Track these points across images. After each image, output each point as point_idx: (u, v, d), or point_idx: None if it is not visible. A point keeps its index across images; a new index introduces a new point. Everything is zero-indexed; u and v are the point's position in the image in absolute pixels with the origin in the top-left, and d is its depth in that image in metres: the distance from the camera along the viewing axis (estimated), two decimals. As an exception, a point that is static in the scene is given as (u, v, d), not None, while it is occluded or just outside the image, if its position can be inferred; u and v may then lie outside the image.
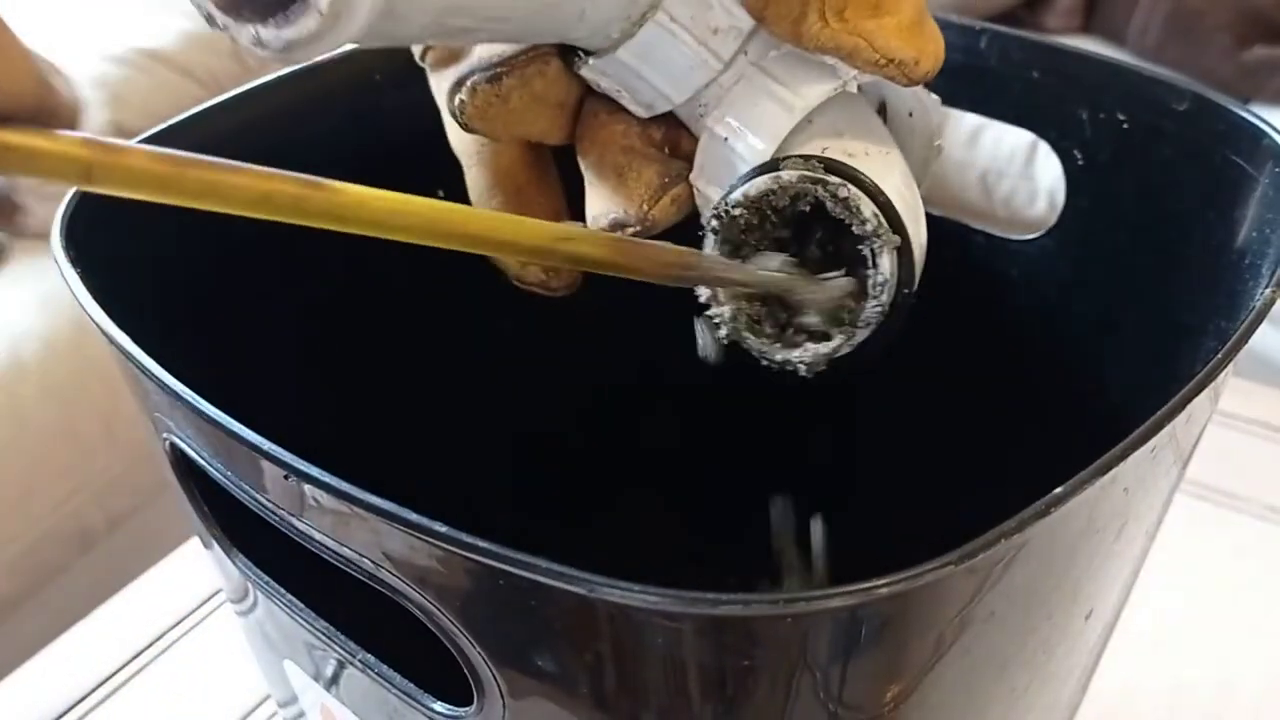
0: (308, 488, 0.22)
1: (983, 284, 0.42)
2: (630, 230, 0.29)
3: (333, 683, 0.29)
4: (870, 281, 0.28)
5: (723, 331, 0.29)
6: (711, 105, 0.29)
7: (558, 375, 0.47)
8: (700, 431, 0.51)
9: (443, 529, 0.20)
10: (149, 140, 0.35)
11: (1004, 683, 0.26)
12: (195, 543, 0.64)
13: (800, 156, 0.28)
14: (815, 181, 0.27)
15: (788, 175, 0.27)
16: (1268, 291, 0.28)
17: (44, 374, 1.03)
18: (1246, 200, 0.34)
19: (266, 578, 0.28)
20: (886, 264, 0.27)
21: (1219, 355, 0.25)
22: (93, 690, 0.56)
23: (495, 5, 0.25)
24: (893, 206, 0.27)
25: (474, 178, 0.32)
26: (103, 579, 0.69)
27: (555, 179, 0.33)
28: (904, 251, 0.28)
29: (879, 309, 0.28)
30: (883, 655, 0.22)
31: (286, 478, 0.22)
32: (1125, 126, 0.37)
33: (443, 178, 0.31)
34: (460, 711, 0.25)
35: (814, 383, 0.30)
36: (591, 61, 0.28)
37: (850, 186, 0.27)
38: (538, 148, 0.32)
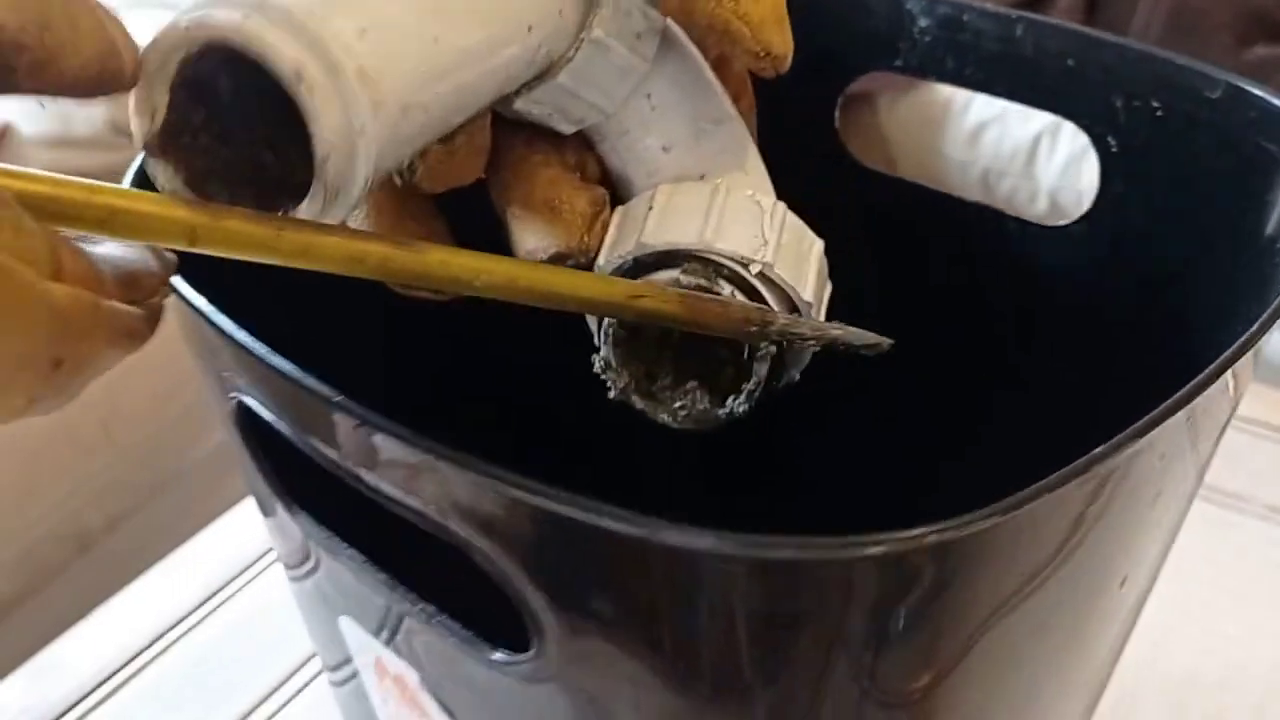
0: (380, 438, 0.24)
1: (1015, 269, 0.43)
2: (570, 261, 0.30)
3: (391, 637, 0.31)
4: (746, 376, 0.30)
5: (611, 394, 0.31)
6: (609, 132, 0.31)
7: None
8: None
9: (516, 477, 0.22)
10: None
11: (1043, 641, 0.27)
12: (194, 542, 0.66)
13: (699, 260, 0.29)
14: (709, 288, 0.29)
15: (686, 280, 0.29)
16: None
17: None
18: (1277, 186, 0.35)
19: (332, 534, 0.30)
20: (763, 369, 0.29)
21: (1254, 327, 0.27)
22: (93, 690, 0.57)
23: (467, 98, 0.26)
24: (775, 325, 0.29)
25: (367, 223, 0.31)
26: (102, 579, 0.71)
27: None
28: (777, 359, 0.30)
29: (747, 403, 0.30)
30: (933, 606, 0.23)
31: (358, 427, 0.24)
32: (1159, 114, 0.39)
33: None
34: (518, 657, 0.26)
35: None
36: (526, 94, 0.29)
37: (740, 297, 0.29)
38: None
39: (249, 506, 0.68)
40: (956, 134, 1.21)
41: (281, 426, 0.28)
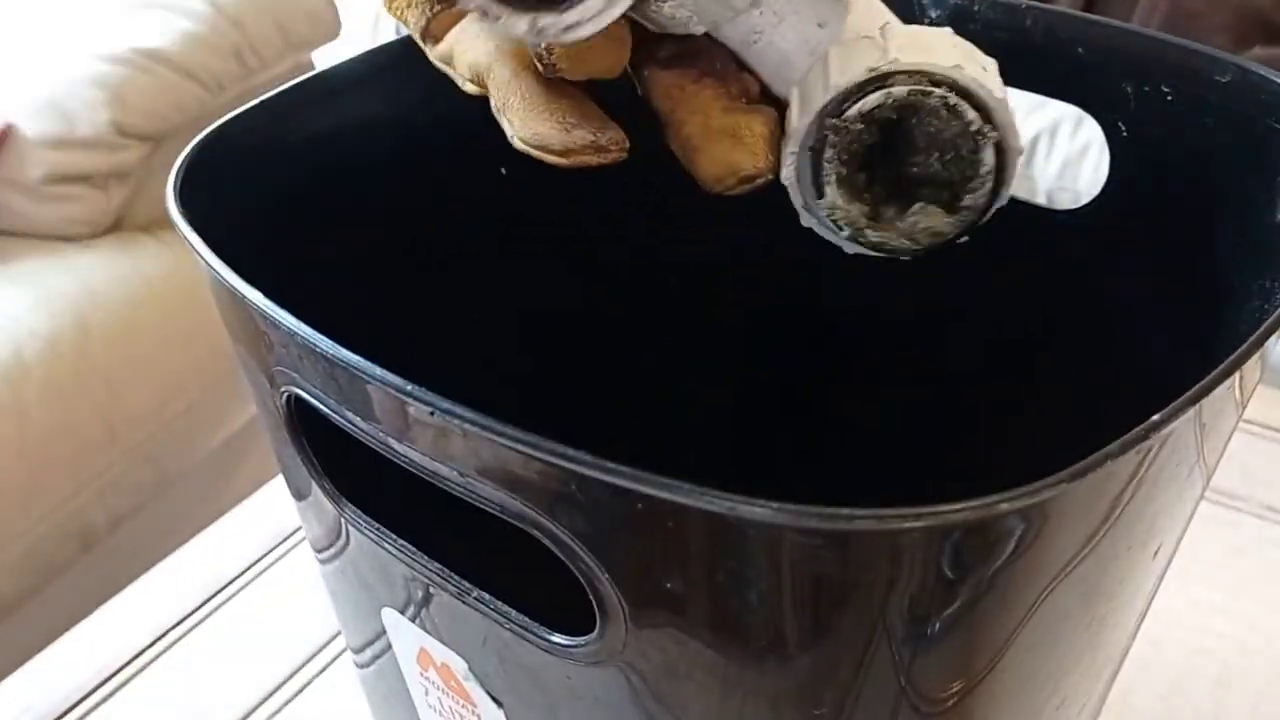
0: (451, 423, 0.25)
1: (1027, 254, 0.45)
2: (759, 180, 0.33)
3: (438, 626, 0.32)
4: (973, 174, 0.32)
5: (845, 233, 0.33)
6: (763, 25, 0.33)
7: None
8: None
9: (588, 457, 0.23)
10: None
11: (1088, 610, 0.29)
12: (196, 541, 0.67)
13: (905, 72, 0.31)
14: (925, 94, 0.31)
15: (898, 90, 0.31)
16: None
17: (46, 374, 1.05)
18: (1286, 169, 0.36)
19: (383, 528, 0.31)
20: (990, 156, 0.32)
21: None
22: (93, 690, 0.57)
23: None
24: (989, 109, 0.31)
25: (500, 71, 0.34)
26: (104, 578, 0.71)
27: None
28: (1001, 145, 0.32)
29: (984, 195, 0.32)
30: (998, 573, 0.24)
31: (432, 414, 0.25)
32: (1169, 99, 0.40)
33: (510, 154, 0.33)
34: (581, 640, 0.27)
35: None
36: None
37: (953, 95, 0.31)
38: None
39: (252, 505, 0.69)
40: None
41: (341, 420, 0.29)
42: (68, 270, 1.15)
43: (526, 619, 0.28)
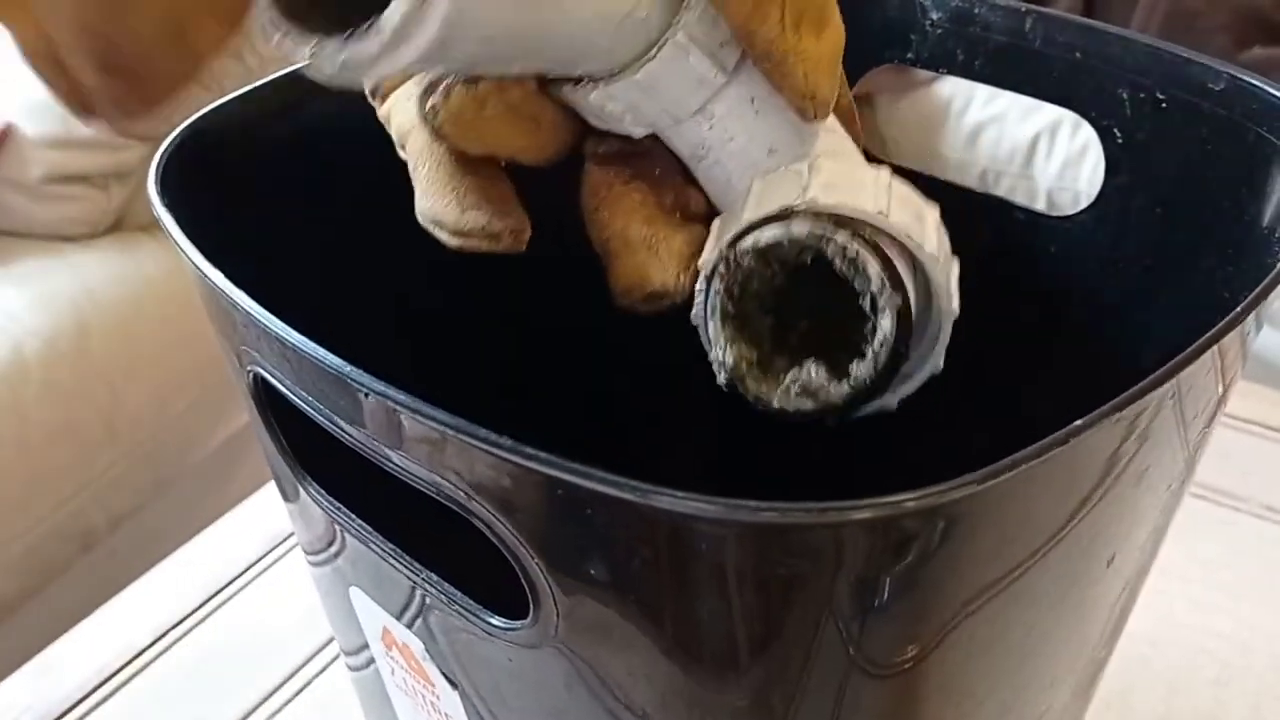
0: (385, 405, 0.26)
1: (1021, 259, 0.45)
2: (665, 301, 0.31)
3: (396, 606, 0.33)
4: (870, 337, 0.29)
5: (721, 377, 0.31)
6: (712, 142, 0.31)
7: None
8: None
9: (507, 441, 0.23)
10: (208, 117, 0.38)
11: (1027, 617, 0.29)
12: (196, 542, 0.67)
13: (812, 212, 0.29)
14: (823, 239, 0.29)
15: (797, 229, 0.29)
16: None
17: (46, 373, 1.07)
18: (1276, 177, 0.37)
19: (339, 503, 0.32)
20: (886, 323, 0.29)
21: (1236, 310, 0.28)
22: (93, 690, 0.58)
23: (536, 43, 0.27)
24: (895, 267, 0.29)
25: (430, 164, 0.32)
26: (103, 579, 0.72)
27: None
28: (904, 311, 0.29)
29: (872, 368, 0.29)
30: (909, 571, 0.25)
31: (366, 396, 0.26)
32: (1164, 106, 0.40)
33: None
34: (517, 624, 0.28)
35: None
36: (602, 87, 0.30)
37: (856, 244, 0.29)
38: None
39: (252, 505, 0.70)
40: (955, 135, 1.23)
41: (297, 400, 0.30)
42: (67, 270, 1.17)
43: (470, 601, 0.29)
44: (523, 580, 0.27)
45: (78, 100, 0.26)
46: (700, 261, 0.31)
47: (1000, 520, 0.25)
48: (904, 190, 0.31)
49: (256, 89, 0.40)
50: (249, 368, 0.31)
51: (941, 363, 0.32)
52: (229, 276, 0.29)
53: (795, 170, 0.31)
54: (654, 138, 0.32)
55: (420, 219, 0.31)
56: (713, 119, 0.31)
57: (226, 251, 0.31)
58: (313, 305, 0.30)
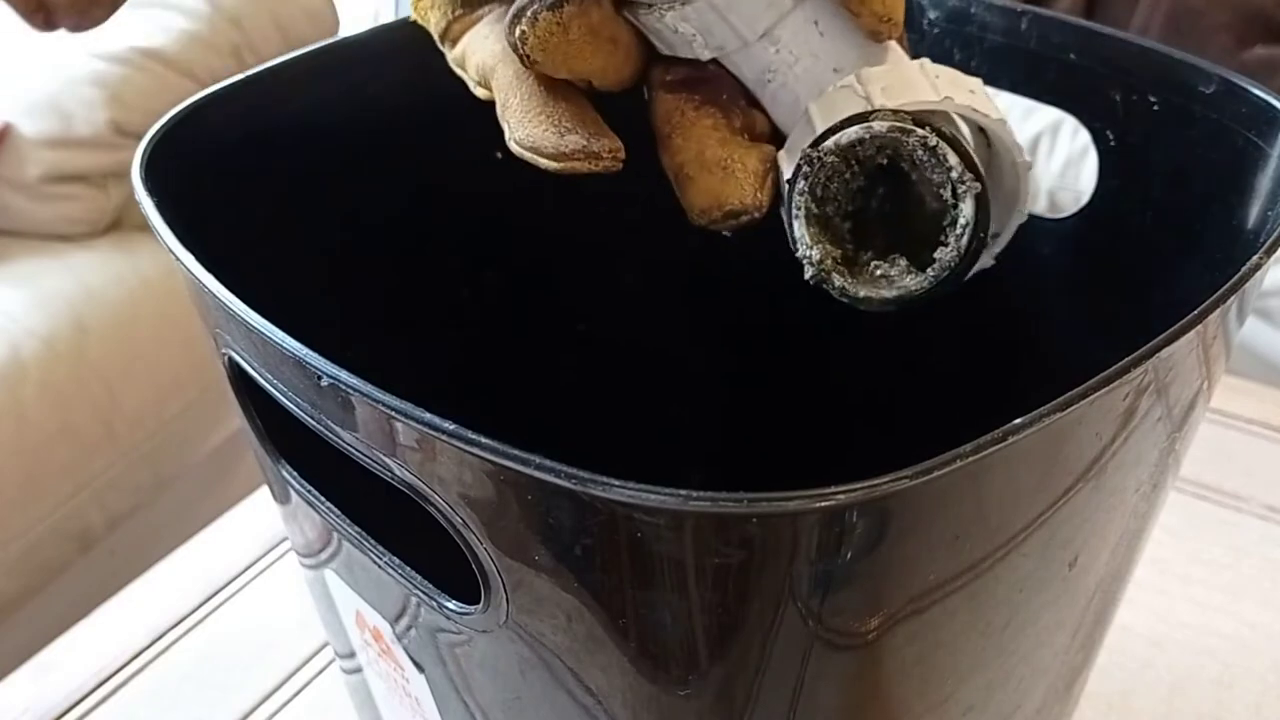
0: (340, 390, 0.27)
1: (1014, 261, 0.46)
2: (744, 218, 0.33)
3: (365, 588, 0.34)
4: (952, 224, 0.32)
5: (809, 273, 0.33)
6: (779, 64, 0.34)
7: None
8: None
9: (449, 426, 0.24)
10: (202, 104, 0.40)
11: (980, 614, 0.30)
12: (195, 542, 0.68)
13: (890, 110, 0.31)
14: (905, 132, 0.31)
15: (879, 126, 0.31)
16: (1255, 258, 0.32)
17: (44, 373, 1.07)
18: (1263, 181, 0.37)
19: (308, 485, 0.33)
20: (968, 208, 0.31)
21: (1200, 308, 0.29)
22: (93, 690, 0.58)
23: None
24: (972, 156, 0.31)
25: (504, 74, 0.34)
26: (102, 579, 0.73)
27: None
28: (983, 197, 0.31)
29: (956, 253, 0.32)
30: (850, 565, 0.25)
31: (320, 380, 0.27)
32: (1156, 108, 0.41)
33: (497, 138, 0.34)
34: (471, 609, 0.29)
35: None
36: (678, 7, 0.32)
37: (935, 137, 0.31)
38: None
39: (251, 505, 0.70)
40: (955, 135, 1.24)
41: (266, 385, 0.31)
42: (66, 270, 1.18)
43: (428, 585, 0.30)
44: (473, 564, 0.28)
45: (37, 12, 0.28)
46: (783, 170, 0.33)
47: (946, 516, 0.26)
48: (948, 72, 0.33)
49: (244, 80, 0.42)
50: (223, 350, 0.33)
51: (1028, 211, 0.34)
52: (228, 272, 0.31)
53: (845, 86, 0.33)
54: (717, 63, 0.35)
55: (516, 149, 0.33)
56: (778, 42, 0.34)
57: (226, 248, 0.32)
58: (308, 296, 0.32)
